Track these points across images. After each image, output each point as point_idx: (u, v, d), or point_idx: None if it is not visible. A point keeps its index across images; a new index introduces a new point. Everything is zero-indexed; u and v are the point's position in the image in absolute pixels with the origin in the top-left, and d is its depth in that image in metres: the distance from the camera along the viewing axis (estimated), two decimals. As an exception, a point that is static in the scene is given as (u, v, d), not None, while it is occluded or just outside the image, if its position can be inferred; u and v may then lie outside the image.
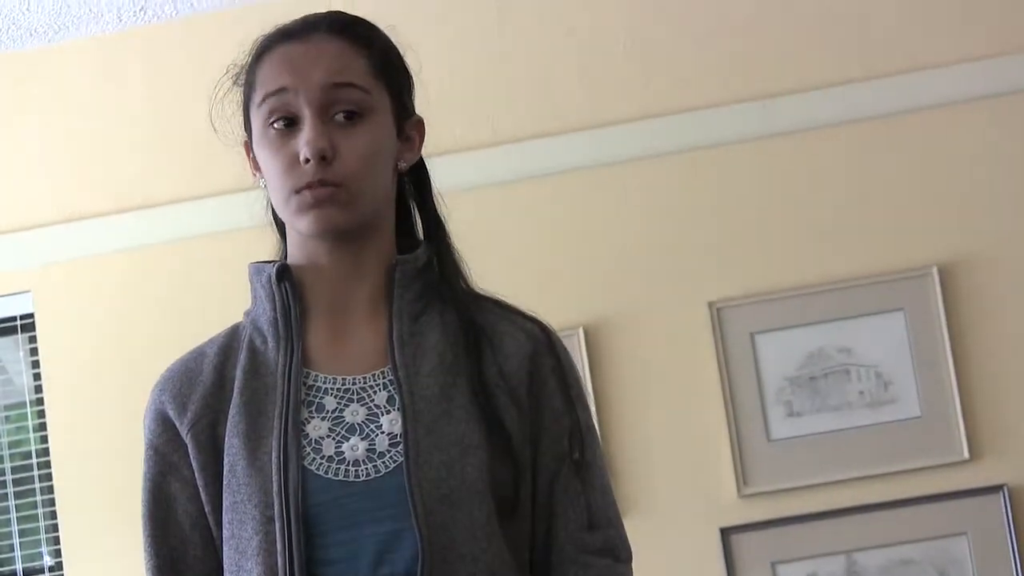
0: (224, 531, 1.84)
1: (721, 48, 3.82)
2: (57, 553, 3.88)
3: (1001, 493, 3.62)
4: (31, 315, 3.96)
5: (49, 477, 3.89)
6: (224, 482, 1.84)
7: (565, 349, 1.96)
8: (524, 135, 3.83)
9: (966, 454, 3.63)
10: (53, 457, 3.88)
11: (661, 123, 3.79)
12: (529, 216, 3.81)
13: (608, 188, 3.79)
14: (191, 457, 1.87)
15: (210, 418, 1.88)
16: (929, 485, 3.64)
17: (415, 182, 1.99)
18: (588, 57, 3.85)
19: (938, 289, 3.66)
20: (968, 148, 3.74)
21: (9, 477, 3.96)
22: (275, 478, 1.79)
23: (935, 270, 3.67)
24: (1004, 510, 3.61)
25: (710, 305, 3.71)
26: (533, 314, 1.97)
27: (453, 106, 3.75)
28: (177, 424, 1.89)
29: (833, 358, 3.68)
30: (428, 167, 1.99)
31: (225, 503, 1.84)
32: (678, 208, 3.78)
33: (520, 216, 3.80)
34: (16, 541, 3.94)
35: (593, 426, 1.96)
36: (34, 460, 3.95)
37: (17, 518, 3.95)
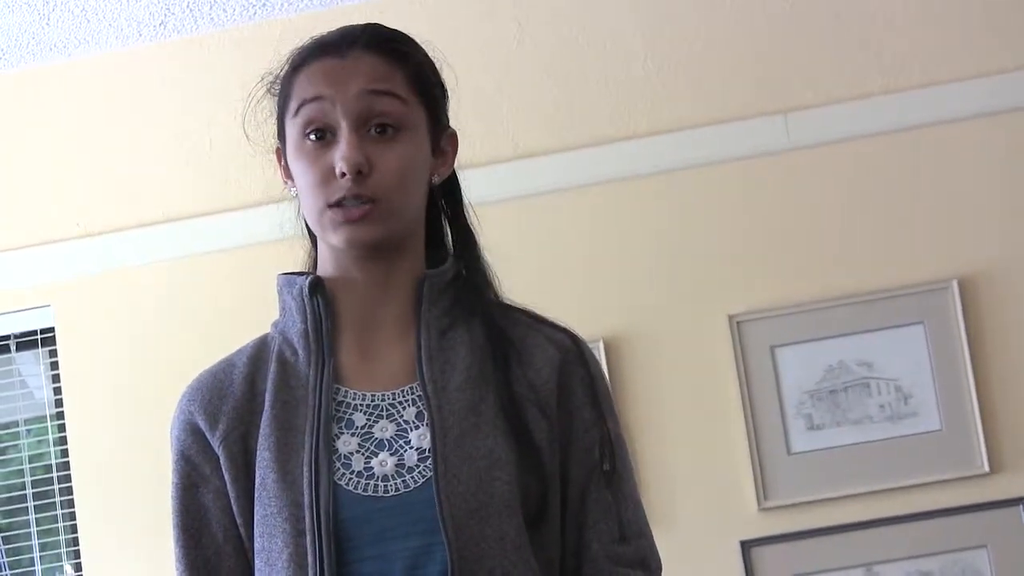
0: (255, 543, 1.83)
1: (742, 62, 3.82)
2: (78, 567, 3.88)
3: (1021, 506, 3.61)
4: (51, 329, 3.96)
5: (69, 491, 3.90)
6: (255, 495, 1.83)
7: (595, 359, 1.95)
8: (545, 149, 3.83)
9: (986, 467, 3.62)
10: (73, 470, 3.88)
11: (682, 137, 3.80)
12: (550, 230, 3.81)
13: (629, 202, 3.79)
14: (223, 469, 1.87)
15: (241, 430, 1.87)
16: (949, 498, 3.64)
17: (447, 195, 1.98)
18: (609, 71, 3.86)
19: (958, 302, 3.66)
20: (988, 162, 3.74)
21: (30, 491, 3.96)
22: (306, 491, 1.79)
23: (955, 283, 3.67)
24: (1024, 523, 3.61)
25: (730, 318, 3.70)
26: (563, 324, 1.96)
27: (474, 120, 3.74)
28: (208, 436, 1.88)
29: (853, 371, 3.68)
30: (460, 179, 1.98)
31: (256, 515, 1.83)
32: (698, 221, 3.78)
33: (541, 230, 3.80)
34: (36, 555, 3.94)
35: (622, 436, 1.95)
36: (54, 473, 3.95)
37: (38, 531, 3.95)
